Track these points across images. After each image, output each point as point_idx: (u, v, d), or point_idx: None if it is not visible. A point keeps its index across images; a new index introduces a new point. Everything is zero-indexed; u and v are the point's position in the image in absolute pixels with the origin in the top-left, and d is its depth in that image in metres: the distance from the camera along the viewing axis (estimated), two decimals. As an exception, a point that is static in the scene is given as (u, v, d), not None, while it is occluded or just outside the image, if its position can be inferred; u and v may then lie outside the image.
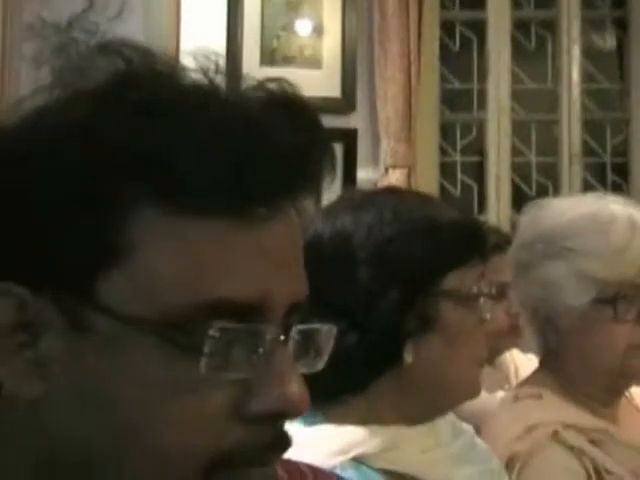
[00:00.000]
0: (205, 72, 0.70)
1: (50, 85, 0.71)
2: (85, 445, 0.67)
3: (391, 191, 1.49)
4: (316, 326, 0.74)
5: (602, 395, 1.73)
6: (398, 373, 1.28)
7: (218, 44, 3.63)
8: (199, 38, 3.67)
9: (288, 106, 0.70)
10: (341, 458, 1.20)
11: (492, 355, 2.44)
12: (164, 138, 0.65)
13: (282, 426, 0.70)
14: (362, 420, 1.27)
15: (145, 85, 0.68)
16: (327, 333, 0.75)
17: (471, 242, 1.32)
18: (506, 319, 2.04)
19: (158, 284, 0.65)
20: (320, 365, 0.74)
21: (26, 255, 0.67)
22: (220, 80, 0.71)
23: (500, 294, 1.47)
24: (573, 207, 1.70)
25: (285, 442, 0.71)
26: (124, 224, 0.66)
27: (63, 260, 0.66)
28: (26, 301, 0.67)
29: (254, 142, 0.66)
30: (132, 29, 3.59)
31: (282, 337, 0.69)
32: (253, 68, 3.62)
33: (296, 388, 0.68)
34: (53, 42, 3.67)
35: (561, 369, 1.72)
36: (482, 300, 1.32)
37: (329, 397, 1.23)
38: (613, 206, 1.67)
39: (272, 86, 0.70)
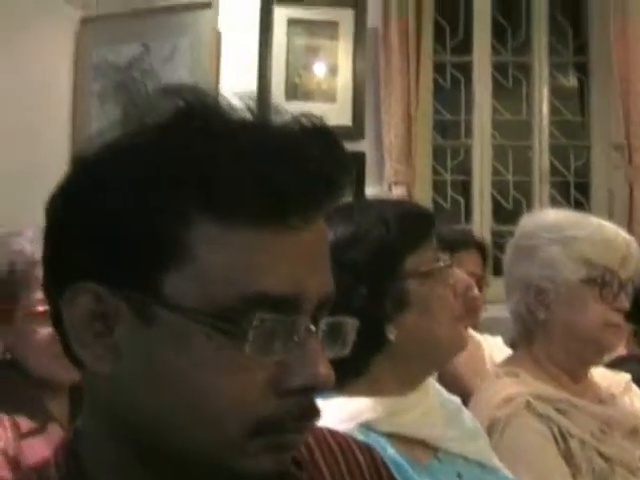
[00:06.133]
0: (248, 108, 0.71)
1: (121, 121, 0.72)
2: (152, 412, 0.68)
3: (349, 207, 1.29)
4: (341, 319, 0.75)
5: (573, 366, 1.75)
6: (389, 350, 1.27)
7: (251, 81, 3.66)
8: (236, 77, 3.68)
9: (317, 136, 0.70)
10: (351, 424, 1.19)
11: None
12: (217, 163, 0.66)
13: (313, 399, 0.71)
14: (368, 393, 1.26)
15: (200, 119, 0.69)
16: (351, 325, 0.76)
17: (417, 228, 1.29)
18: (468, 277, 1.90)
19: (211, 282, 0.66)
20: (346, 351, 0.75)
21: (105, 260, 0.68)
22: (260, 114, 0.71)
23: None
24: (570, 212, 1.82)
25: (315, 412, 0.72)
26: (186, 233, 0.66)
27: (136, 263, 0.67)
28: (102, 297, 0.68)
29: (290, 167, 0.67)
30: (181, 70, 3.63)
31: (313, 327, 0.70)
32: (279, 101, 3.60)
33: (324, 368, 0.69)
34: (115, 80, 3.71)
35: (542, 343, 1.75)
36: (443, 271, 1.30)
37: (341, 382, 1.23)
38: None
39: (303, 119, 0.71)
